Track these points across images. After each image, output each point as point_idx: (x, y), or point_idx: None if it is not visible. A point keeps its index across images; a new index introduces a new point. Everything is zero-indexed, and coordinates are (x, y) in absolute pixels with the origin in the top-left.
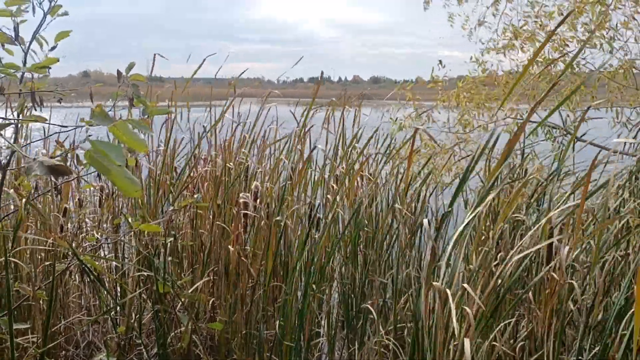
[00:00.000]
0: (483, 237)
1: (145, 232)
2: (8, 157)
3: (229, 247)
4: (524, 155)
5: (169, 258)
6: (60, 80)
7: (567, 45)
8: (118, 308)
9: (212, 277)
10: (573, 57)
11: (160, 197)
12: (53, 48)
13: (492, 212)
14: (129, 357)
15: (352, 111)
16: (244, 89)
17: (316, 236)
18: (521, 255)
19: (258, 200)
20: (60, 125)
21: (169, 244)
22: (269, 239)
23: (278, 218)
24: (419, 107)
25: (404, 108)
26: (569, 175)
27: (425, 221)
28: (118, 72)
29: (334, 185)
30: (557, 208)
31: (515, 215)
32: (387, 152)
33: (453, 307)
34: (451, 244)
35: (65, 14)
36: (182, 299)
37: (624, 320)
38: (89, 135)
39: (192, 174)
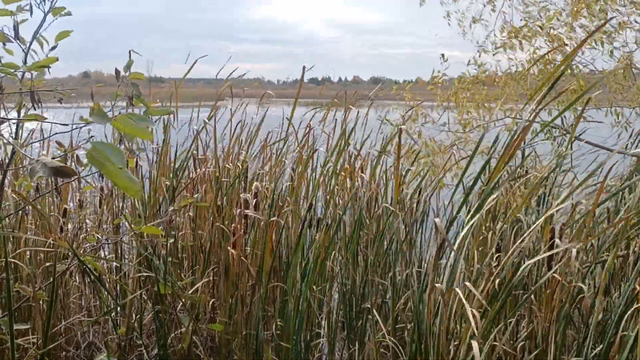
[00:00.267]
0: (482, 237)
1: (144, 233)
2: (9, 157)
3: (229, 248)
4: (524, 155)
5: (169, 259)
6: (60, 81)
7: (567, 45)
8: (118, 309)
9: (212, 278)
10: (569, 55)
11: (158, 198)
12: (53, 48)
13: (491, 212)
14: (129, 357)
15: (352, 112)
16: (245, 90)
17: (316, 237)
18: (523, 256)
19: (256, 201)
20: (60, 124)
21: (169, 244)
22: (265, 239)
23: (274, 218)
24: (418, 108)
25: (403, 108)
26: (566, 172)
27: (437, 220)
28: (116, 71)
29: (335, 185)
30: (555, 208)
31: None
32: (381, 151)
33: (455, 306)
34: (456, 245)
35: (68, 14)
36: (183, 300)
37: (624, 320)
38: (91, 137)
39: (191, 175)
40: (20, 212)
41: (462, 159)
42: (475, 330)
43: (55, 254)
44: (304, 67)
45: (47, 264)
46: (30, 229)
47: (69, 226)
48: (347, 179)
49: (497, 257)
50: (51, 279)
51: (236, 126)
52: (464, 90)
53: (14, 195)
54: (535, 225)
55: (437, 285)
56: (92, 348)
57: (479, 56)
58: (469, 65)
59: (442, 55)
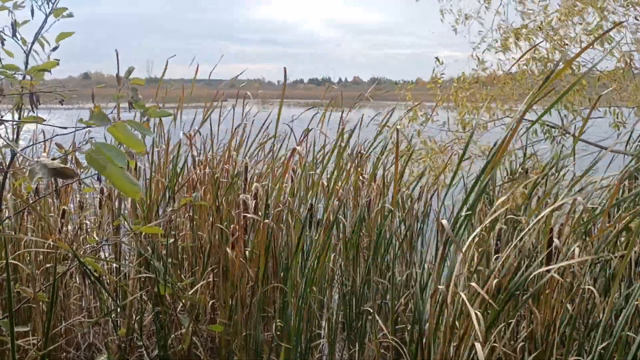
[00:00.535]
0: (480, 238)
1: (143, 234)
2: (9, 159)
3: (227, 249)
4: (526, 155)
5: (169, 260)
6: (60, 82)
7: (567, 44)
8: (119, 310)
9: (212, 279)
10: (574, 57)
11: (157, 199)
12: (55, 49)
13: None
14: (129, 358)
15: (353, 112)
16: (246, 92)
17: (315, 237)
18: (523, 256)
19: (255, 202)
20: (59, 127)
21: (169, 245)
22: (261, 239)
23: (267, 221)
24: (416, 109)
25: (403, 108)
26: (564, 172)
27: (444, 221)
28: (117, 76)
29: (335, 186)
30: (551, 208)
31: (514, 215)
32: (382, 152)
33: (456, 307)
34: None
35: (70, 15)
36: (183, 301)
37: (624, 320)
38: (91, 138)
39: (189, 175)
40: (20, 213)
41: (464, 160)
42: (479, 331)
43: (55, 255)
44: (285, 69)
45: (48, 265)
46: (30, 230)
47: (69, 227)
48: (347, 180)
49: (496, 258)
50: (51, 280)
51: (237, 127)
52: (463, 89)
53: (14, 197)
54: (532, 224)
55: (440, 287)
56: (93, 349)
57: (474, 56)
58: (470, 60)
59: (437, 58)
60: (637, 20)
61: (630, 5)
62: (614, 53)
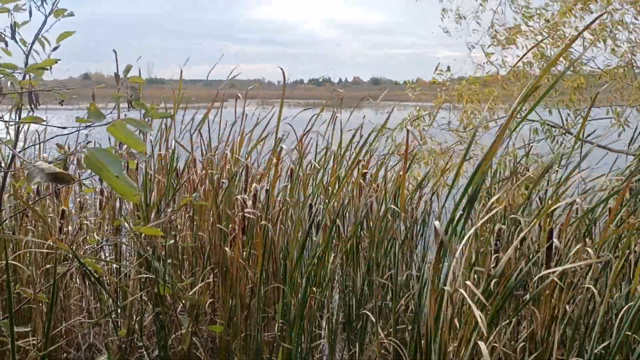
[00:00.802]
0: (482, 238)
1: (143, 235)
2: (9, 161)
3: (225, 249)
4: (529, 155)
5: (169, 260)
6: (61, 82)
7: (561, 41)
8: (119, 310)
9: (212, 279)
10: (562, 49)
11: (157, 199)
12: (55, 48)
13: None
14: (130, 359)
15: (350, 112)
16: (245, 92)
17: (315, 238)
18: (521, 255)
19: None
20: (58, 127)
21: (169, 245)
22: (260, 240)
23: (263, 222)
24: (419, 111)
25: (403, 109)
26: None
27: (436, 223)
28: (116, 75)
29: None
30: (551, 208)
31: (513, 215)
32: (389, 152)
33: (455, 307)
34: (459, 248)
35: (71, 14)
36: (183, 301)
37: (625, 320)
38: (89, 142)
39: (189, 176)
40: (20, 214)
41: (466, 160)
42: (484, 329)
43: (55, 255)
44: (283, 71)
45: (48, 266)
46: (30, 231)
47: (69, 228)
48: (349, 180)
49: (495, 257)
50: (51, 281)
51: (240, 129)
52: (466, 90)
53: (14, 198)
54: (531, 224)
55: (445, 288)
56: (93, 350)
57: (469, 51)
58: (470, 61)
59: (436, 67)
60: (637, 20)
61: (630, 5)
62: (615, 51)
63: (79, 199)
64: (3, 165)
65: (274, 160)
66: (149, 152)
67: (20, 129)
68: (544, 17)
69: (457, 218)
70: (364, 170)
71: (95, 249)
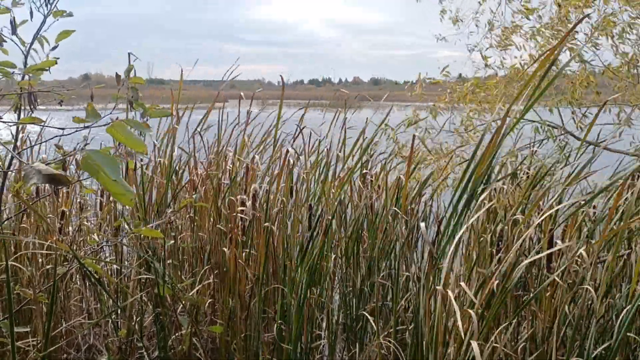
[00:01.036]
0: (482, 239)
1: (142, 235)
2: (9, 161)
3: (224, 249)
4: (533, 155)
5: (170, 261)
6: (60, 83)
7: (575, 38)
8: (119, 311)
9: (212, 280)
10: (557, 44)
11: (157, 200)
12: (54, 48)
13: (490, 213)
14: None
15: (350, 113)
16: (246, 93)
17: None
18: (521, 254)
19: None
20: (57, 127)
21: (170, 246)
22: (262, 241)
23: (266, 224)
24: (417, 113)
25: (402, 109)
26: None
27: (422, 225)
28: (117, 75)
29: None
30: (553, 208)
31: (514, 216)
32: (391, 154)
33: (453, 308)
34: (451, 248)
35: (70, 15)
36: (183, 302)
37: (625, 320)
38: (86, 145)
39: (191, 176)
40: (20, 214)
41: (464, 162)
42: (475, 330)
43: (55, 256)
44: (282, 77)
45: (48, 266)
46: (30, 231)
47: (70, 228)
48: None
49: (497, 258)
50: (51, 282)
51: (243, 130)
52: (470, 92)
53: (14, 199)
54: (533, 225)
55: (438, 288)
56: (93, 350)
57: (470, 53)
58: (470, 62)
59: (443, 68)
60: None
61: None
62: (618, 50)
63: (79, 200)
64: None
65: (277, 162)
66: (153, 154)
67: (19, 129)
68: (542, 17)
69: (450, 220)
70: (364, 171)
71: (96, 249)
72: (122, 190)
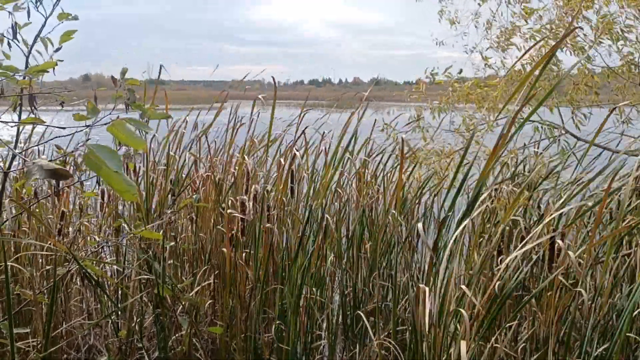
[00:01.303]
0: (481, 240)
1: (141, 237)
2: (9, 161)
3: (223, 249)
4: (536, 155)
5: (170, 261)
6: (61, 84)
7: (577, 36)
8: (119, 312)
9: (213, 280)
10: (553, 47)
11: (160, 201)
12: (58, 49)
13: (491, 213)
14: None
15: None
16: (246, 93)
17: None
18: (518, 253)
19: (252, 203)
20: (58, 127)
21: (168, 247)
22: (265, 242)
23: (268, 225)
24: (420, 112)
25: (402, 109)
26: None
27: (419, 225)
28: (113, 78)
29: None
30: (556, 210)
31: (515, 217)
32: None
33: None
34: (448, 249)
35: (75, 18)
36: (183, 303)
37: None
38: (88, 139)
39: (192, 177)
40: (20, 216)
41: (466, 164)
42: (468, 330)
43: (55, 257)
44: (273, 78)
45: (47, 267)
46: (30, 233)
47: (70, 229)
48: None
49: (500, 260)
50: (52, 282)
51: (249, 131)
52: (472, 92)
53: (14, 200)
54: (537, 228)
55: (421, 286)
56: (93, 351)
57: (469, 55)
58: (470, 63)
59: (446, 69)
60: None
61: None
62: (620, 50)
63: (79, 200)
64: (2, 166)
65: (281, 163)
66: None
67: (20, 130)
68: (543, 18)
69: (449, 221)
70: (362, 169)
71: (95, 250)
72: (125, 186)
